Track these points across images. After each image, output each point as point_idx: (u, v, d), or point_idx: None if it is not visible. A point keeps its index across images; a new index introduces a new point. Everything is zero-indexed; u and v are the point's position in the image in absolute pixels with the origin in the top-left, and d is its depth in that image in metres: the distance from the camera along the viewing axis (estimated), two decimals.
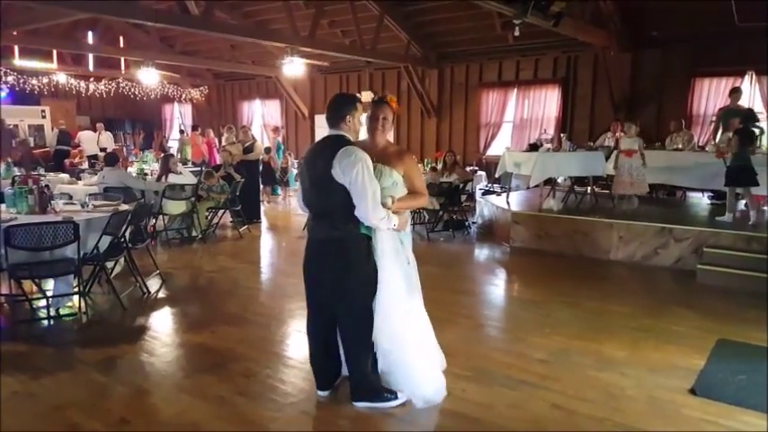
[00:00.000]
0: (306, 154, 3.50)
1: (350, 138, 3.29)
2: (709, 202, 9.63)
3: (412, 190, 3.47)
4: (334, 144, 3.21)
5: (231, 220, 9.72)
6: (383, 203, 3.22)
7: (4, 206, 5.51)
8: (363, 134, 3.51)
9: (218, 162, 12.03)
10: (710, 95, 11.24)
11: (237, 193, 9.10)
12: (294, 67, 12.64)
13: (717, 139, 8.79)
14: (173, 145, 17.35)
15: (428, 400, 3.43)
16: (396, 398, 3.43)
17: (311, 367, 3.67)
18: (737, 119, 7.74)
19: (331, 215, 3.27)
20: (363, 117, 3.42)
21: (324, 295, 3.44)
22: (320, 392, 3.61)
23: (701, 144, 10.55)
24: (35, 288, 5.39)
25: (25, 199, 5.36)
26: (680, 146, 9.59)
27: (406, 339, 3.40)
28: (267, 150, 14.11)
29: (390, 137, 3.60)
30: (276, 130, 15.99)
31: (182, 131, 16.98)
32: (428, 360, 3.55)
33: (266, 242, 9.17)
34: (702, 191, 9.91)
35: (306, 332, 3.63)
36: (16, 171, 9.18)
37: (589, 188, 9.62)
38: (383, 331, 3.34)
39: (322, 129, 16.37)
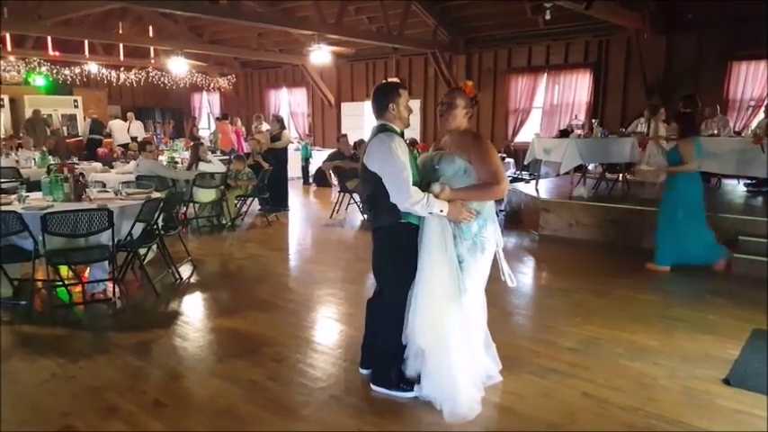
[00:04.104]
0: None
1: (393, 126, 3.24)
2: (745, 189, 9.38)
3: (480, 179, 3.18)
4: (374, 134, 3.26)
5: (260, 208, 9.81)
6: (431, 191, 3.09)
7: (40, 194, 5.65)
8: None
9: (245, 150, 12.13)
10: (748, 79, 10.92)
11: (265, 182, 9.18)
12: (321, 55, 12.63)
13: None
14: (203, 134, 17.49)
15: (460, 415, 3.13)
16: (411, 390, 3.38)
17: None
18: None
19: (372, 205, 3.35)
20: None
21: (376, 278, 3.56)
22: (360, 369, 3.72)
23: (736, 129, 10.28)
24: (71, 273, 5.52)
25: (61, 187, 5.46)
26: (715, 131, 9.35)
27: (445, 343, 3.17)
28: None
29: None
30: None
31: (218, 119, 17.05)
32: (469, 373, 3.26)
33: (294, 230, 9.22)
34: (738, 177, 9.66)
35: None
36: (51, 160, 9.39)
37: (620, 175, 9.45)
38: (417, 328, 3.20)
39: (349, 117, 16.55)
